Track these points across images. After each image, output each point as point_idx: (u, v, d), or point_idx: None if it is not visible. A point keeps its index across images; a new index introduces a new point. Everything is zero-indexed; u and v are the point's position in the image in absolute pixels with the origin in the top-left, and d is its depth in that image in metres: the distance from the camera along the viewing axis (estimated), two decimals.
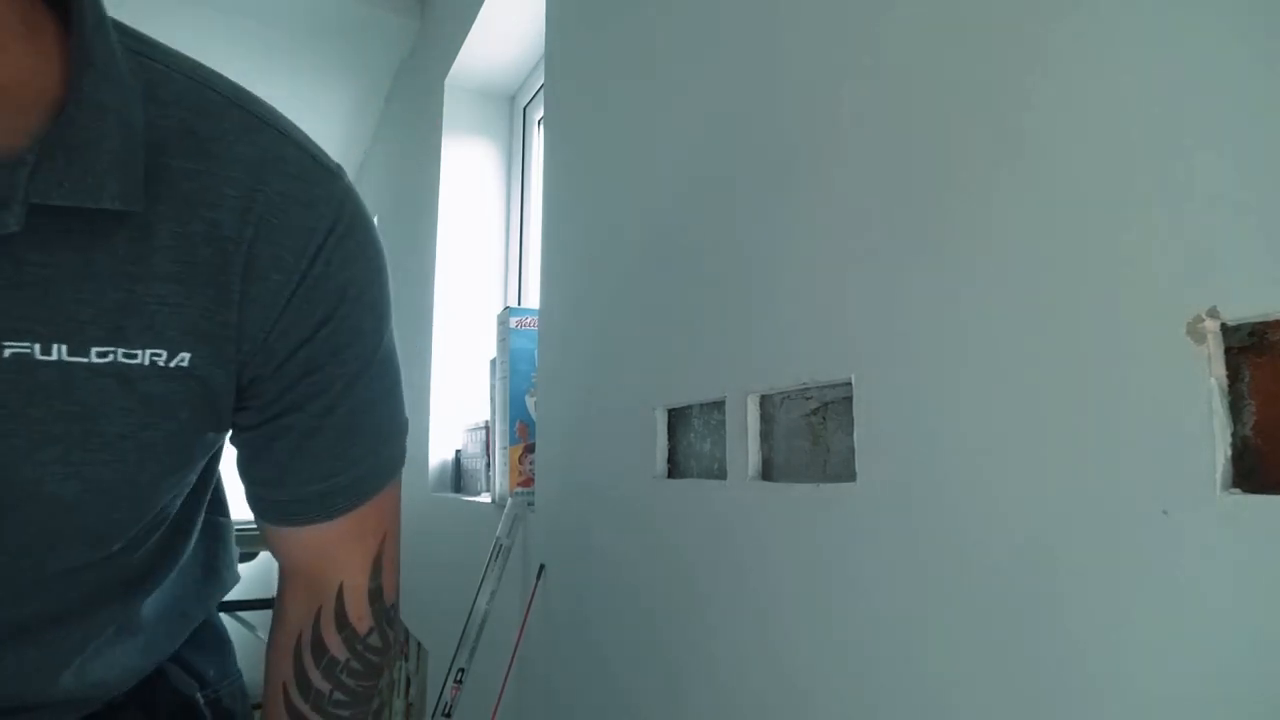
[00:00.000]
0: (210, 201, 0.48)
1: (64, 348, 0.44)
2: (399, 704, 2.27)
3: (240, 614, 2.81)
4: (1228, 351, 0.42)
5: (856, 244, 0.66)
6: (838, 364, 0.67)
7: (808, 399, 0.75)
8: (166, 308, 0.47)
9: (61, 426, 0.46)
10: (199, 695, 0.68)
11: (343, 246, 0.52)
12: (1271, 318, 0.40)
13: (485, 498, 1.78)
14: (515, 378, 1.54)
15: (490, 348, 1.79)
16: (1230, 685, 0.40)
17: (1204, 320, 0.42)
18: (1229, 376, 0.42)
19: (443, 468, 2.25)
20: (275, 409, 0.54)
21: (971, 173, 0.56)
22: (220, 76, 0.52)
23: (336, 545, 0.61)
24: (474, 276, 2.27)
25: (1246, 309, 0.40)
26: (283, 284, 0.50)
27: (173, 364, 0.48)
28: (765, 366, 0.77)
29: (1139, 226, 0.45)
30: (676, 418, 0.96)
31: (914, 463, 0.59)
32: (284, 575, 0.64)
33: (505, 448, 1.54)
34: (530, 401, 1.52)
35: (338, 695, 0.61)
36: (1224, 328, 0.42)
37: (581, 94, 1.27)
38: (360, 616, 0.61)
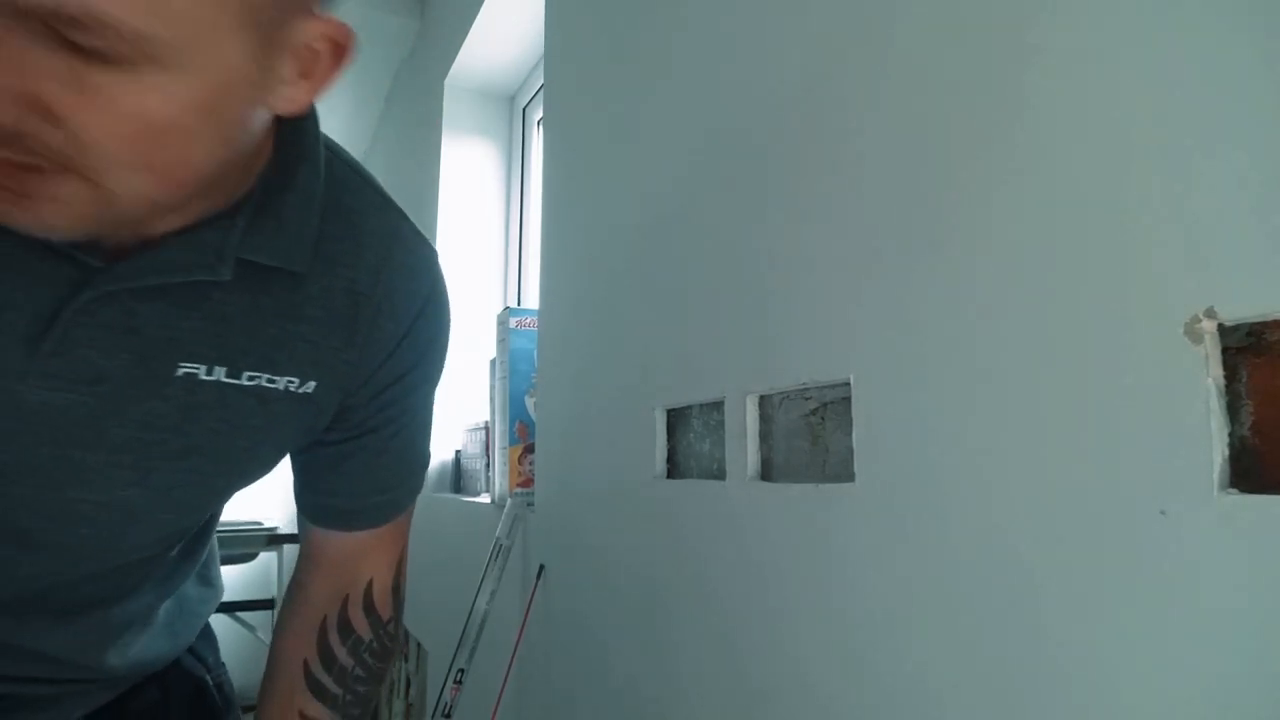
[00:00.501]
0: (349, 262, 0.59)
1: (223, 370, 0.54)
2: (399, 704, 2.27)
3: (240, 614, 2.82)
4: (1225, 352, 0.42)
5: (855, 245, 0.66)
6: (837, 364, 0.67)
7: (807, 399, 0.75)
8: (306, 344, 0.58)
9: (208, 439, 0.56)
10: (207, 677, 0.77)
11: (434, 307, 0.65)
12: (1269, 318, 0.40)
13: (485, 498, 1.78)
14: (515, 378, 1.54)
15: (490, 348, 1.79)
16: (1229, 684, 0.40)
17: (1201, 320, 0.42)
18: (1227, 376, 0.42)
19: (443, 468, 2.25)
20: (358, 430, 0.65)
21: (970, 174, 0.56)
22: (352, 157, 0.63)
23: (374, 546, 0.71)
24: (474, 276, 2.27)
25: (1244, 309, 0.40)
26: (394, 334, 0.62)
27: (301, 390, 0.58)
28: (764, 367, 0.77)
29: (1137, 227, 0.45)
30: (676, 418, 0.96)
31: (913, 463, 0.59)
32: (311, 565, 0.71)
33: (505, 448, 1.54)
34: (530, 402, 1.52)
35: (358, 671, 0.69)
36: (1221, 328, 0.42)
37: (581, 94, 1.27)
38: (384, 606, 0.71)
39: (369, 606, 0.70)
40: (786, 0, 0.77)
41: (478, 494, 1.94)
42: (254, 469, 0.61)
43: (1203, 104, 0.43)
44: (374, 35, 2.62)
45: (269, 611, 2.77)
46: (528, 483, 1.50)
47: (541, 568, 1.28)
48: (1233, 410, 0.42)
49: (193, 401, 0.54)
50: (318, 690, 0.68)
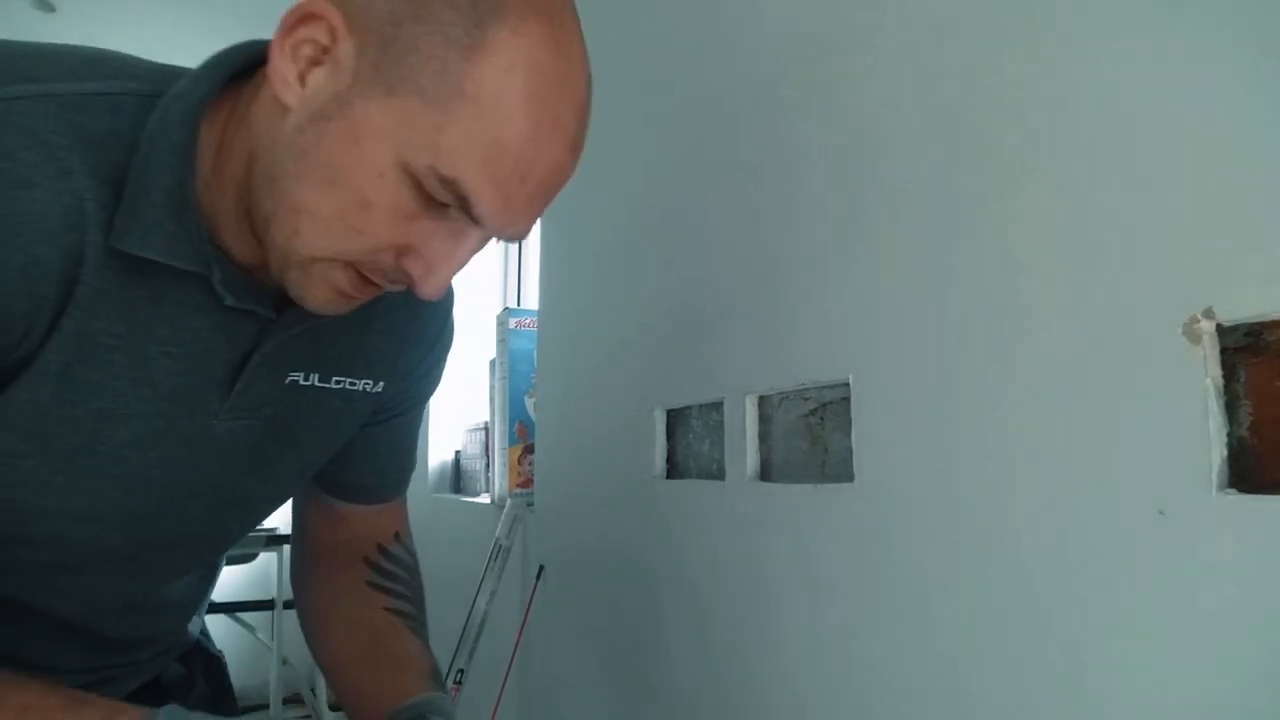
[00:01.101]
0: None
1: (315, 376, 0.63)
2: None
3: (240, 615, 2.81)
4: (1224, 352, 0.42)
5: (855, 245, 0.66)
6: (836, 365, 0.67)
7: (806, 400, 0.76)
8: (377, 352, 0.67)
9: (311, 435, 0.66)
10: (218, 655, 0.86)
11: (450, 320, 0.76)
12: (1267, 318, 0.40)
13: (485, 498, 1.78)
14: (514, 378, 1.54)
15: (490, 348, 1.79)
16: (1227, 683, 0.40)
17: (1200, 321, 0.42)
18: (1225, 377, 0.42)
19: (442, 468, 2.25)
20: (392, 413, 0.75)
21: (970, 175, 0.56)
22: None
23: (388, 512, 0.81)
24: (473, 277, 2.27)
25: (1242, 309, 0.41)
26: (435, 331, 0.74)
27: (374, 390, 0.68)
28: (763, 367, 0.77)
29: (1135, 228, 0.46)
30: (675, 418, 0.96)
31: (911, 463, 0.59)
32: (331, 532, 0.80)
33: (505, 448, 1.54)
34: (529, 402, 1.52)
35: (402, 575, 0.79)
36: (1220, 328, 0.42)
37: None
38: (407, 546, 0.83)
39: (398, 541, 0.81)
40: (787, 1, 0.77)
41: (478, 494, 1.94)
42: (329, 455, 0.72)
43: (1202, 105, 0.43)
44: None
45: (269, 612, 2.76)
46: (527, 483, 1.50)
47: (541, 568, 1.28)
48: (1231, 410, 0.42)
49: (300, 402, 0.64)
50: (381, 585, 0.78)
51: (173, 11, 2.39)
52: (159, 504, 0.58)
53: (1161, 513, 0.43)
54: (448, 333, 0.76)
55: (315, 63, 0.48)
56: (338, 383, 0.65)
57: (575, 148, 0.52)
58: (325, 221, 0.49)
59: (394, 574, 0.79)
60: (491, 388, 1.69)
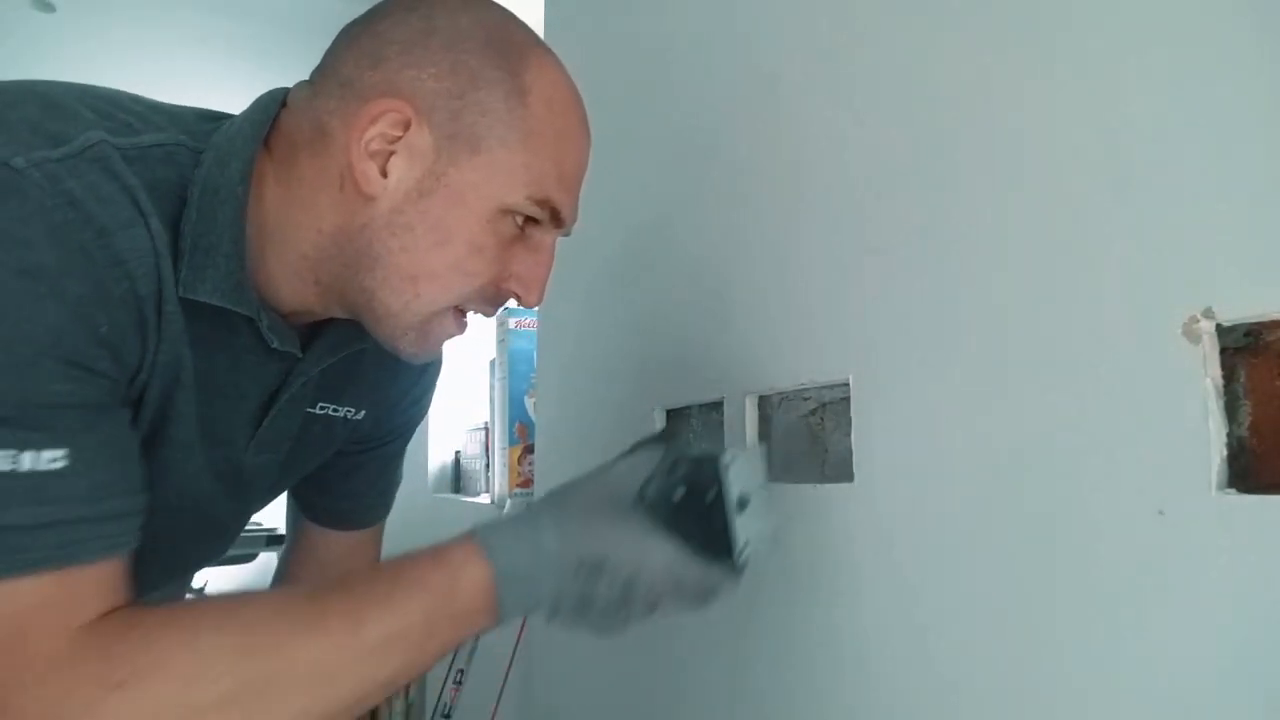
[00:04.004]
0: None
1: (304, 402, 0.66)
2: (399, 704, 2.27)
3: None
4: (1223, 352, 0.42)
5: (854, 245, 0.66)
6: (836, 364, 0.67)
7: (806, 399, 0.76)
8: (365, 382, 0.71)
9: (296, 461, 0.70)
10: None
11: (439, 353, 0.78)
12: (1267, 318, 0.40)
13: (485, 498, 1.78)
14: (514, 379, 1.54)
15: (490, 348, 1.79)
16: (1226, 684, 0.40)
17: (1199, 320, 0.42)
18: (1224, 377, 0.42)
19: (442, 469, 2.25)
20: (380, 442, 0.79)
21: (969, 174, 0.56)
22: None
23: (373, 539, 0.84)
24: None
25: (1242, 309, 0.41)
26: (419, 374, 0.77)
27: (354, 418, 0.72)
28: (763, 367, 0.77)
29: (1135, 228, 0.46)
30: (675, 418, 0.96)
31: (911, 463, 0.59)
32: (305, 559, 0.82)
33: (504, 449, 1.54)
34: (529, 402, 1.52)
35: None
36: (1219, 328, 0.42)
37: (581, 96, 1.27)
38: None
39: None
40: (786, 0, 0.77)
41: (478, 494, 1.94)
42: (301, 477, 0.76)
43: (1201, 104, 0.43)
44: None
45: None
46: (527, 483, 1.50)
47: None
48: (1231, 410, 0.42)
49: (315, 429, 0.69)
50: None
51: (172, 13, 2.39)
52: (167, 529, 0.59)
53: (1161, 513, 0.43)
54: (436, 363, 0.79)
55: (388, 154, 0.55)
56: (322, 409, 0.69)
57: (590, 132, 0.64)
58: (443, 277, 0.56)
59: None
60: (491, 388, 1.69)
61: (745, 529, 0.57)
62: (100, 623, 0.45)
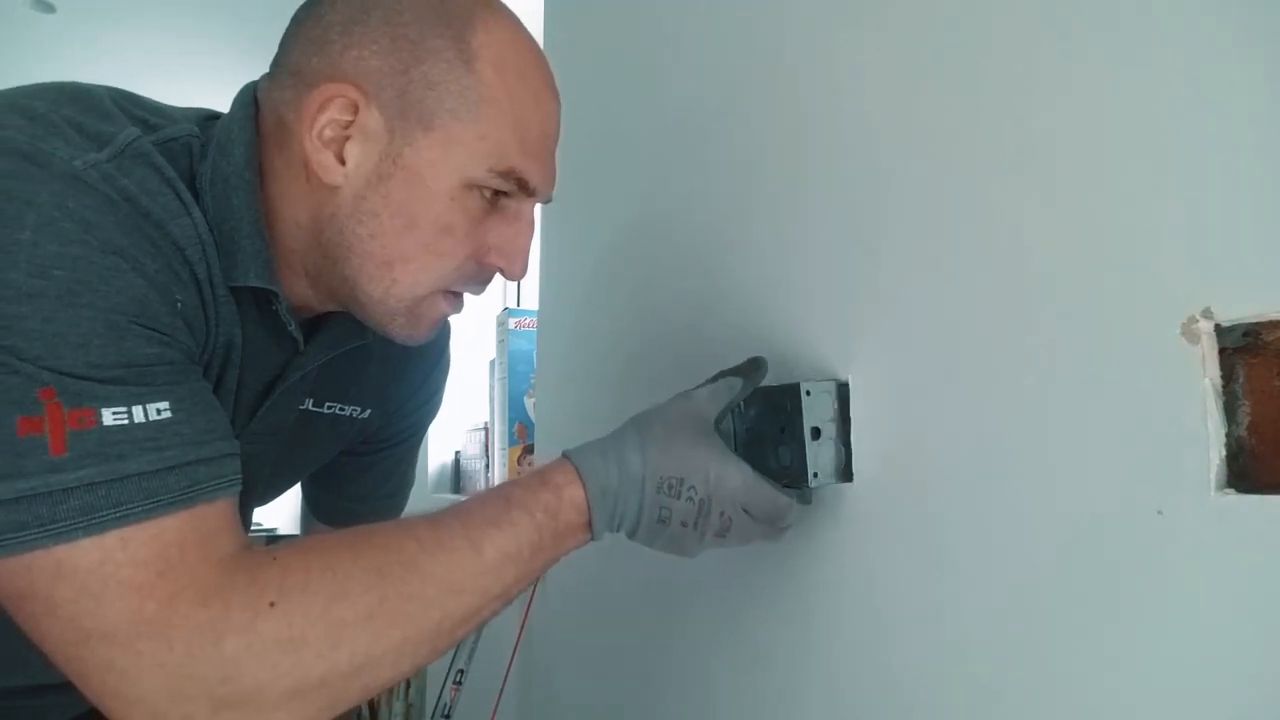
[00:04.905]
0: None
1: (310, 401, 0.67)
2: (399, 705, 2.27)
3: None
4: (1222, 352, 0.42)
5: (854, 245, 0.66)
6: (836, 364, 0.67)
7: None
8: (370, 381, 0.71)
9: (296, 459, 0.71)
10: None
11: (447, 351, 0.80)
12: (1266, 318, 0.40)
13: None
14: (514, 379, 1.54)
15: (489, 349, 1.79)
16: (1225, 684, 0.40)
17: (1198, 321, 0.42)
18: (1223, 377, 0.42)
19: (442, 469, 2.25)
20: (388, 444, 0.79)
21: (968, 174, 0.57)
22: None
23: None
24: None
25: (1241, 309, 0.41)
26: (426, 372, 0.77)
27: (360, 417, 0.72)
28: None
29: (1134, 227, 0.46)
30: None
31: (910, 463, 0.60)
32: None
33: (504, 448, 1.54)
34: (529, 402, 1.53)
35: None
36: (1218, 328, 0.42)
37: (580, 94, 1.27)
38: None
39: None
40: (786, 0, 0.77)
41: None
42: (306, 475, 0.77)
43: (1201, 104, 0.43)
44: None
45: None
46: None
47: None
48: (1229, 410, 0.42)
49: (300, 428, 0.68)
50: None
51: (170, 13, 2.39)
52: None
53: (1159, 513, 0.43)
54: (444, 363, 0.79)
55: (343, 140, 0.54)
56: (329, 408, 0.69)
57: (558, 93, 0.60)
58: (417, 260, 0.55)
59: None
60: (491, 388, 1.69)
61: (816, 459, 0.59)
62: (242, 553, 0.49)
